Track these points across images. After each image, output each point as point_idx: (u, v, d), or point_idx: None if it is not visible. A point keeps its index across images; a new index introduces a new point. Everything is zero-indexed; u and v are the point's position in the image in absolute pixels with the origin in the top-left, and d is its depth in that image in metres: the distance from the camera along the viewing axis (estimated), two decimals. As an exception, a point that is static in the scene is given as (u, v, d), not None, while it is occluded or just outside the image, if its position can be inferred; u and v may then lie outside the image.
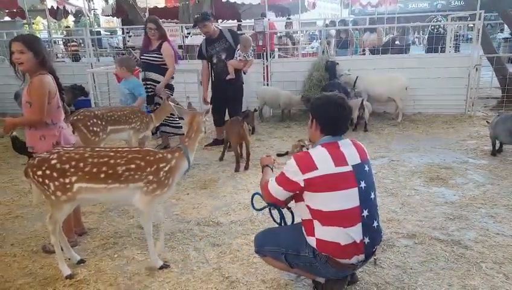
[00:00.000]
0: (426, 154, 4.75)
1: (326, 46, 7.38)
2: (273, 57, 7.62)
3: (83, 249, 2.89)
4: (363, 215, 1.97)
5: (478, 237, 2.82)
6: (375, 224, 2.04)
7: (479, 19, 6.32)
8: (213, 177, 4.26)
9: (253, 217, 3.27)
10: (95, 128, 3.75)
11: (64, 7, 13.02)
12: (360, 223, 1.97)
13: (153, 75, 4.83)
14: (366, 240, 1.98)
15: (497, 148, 4.58)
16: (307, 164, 1.97)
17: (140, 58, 4.89)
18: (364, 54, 8.78)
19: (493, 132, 4.50)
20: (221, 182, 4.12)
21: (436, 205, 3.37)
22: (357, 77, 6.35)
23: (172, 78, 4.96)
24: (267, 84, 7.03)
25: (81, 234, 3.08)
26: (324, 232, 1.97)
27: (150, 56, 4.80)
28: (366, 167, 2.05)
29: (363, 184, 1.98)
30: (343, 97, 2.14)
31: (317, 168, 1.95)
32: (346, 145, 2.05)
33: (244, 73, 5.27)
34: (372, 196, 2.05)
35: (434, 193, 3.63)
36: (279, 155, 4.60)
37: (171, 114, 4.99)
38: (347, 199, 1.95)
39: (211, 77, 5.27)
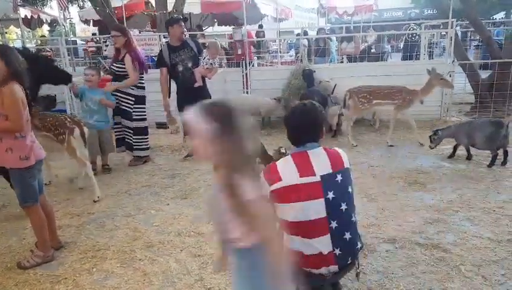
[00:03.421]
0: (404, 159, 4.85)
1: (305, 55, 7.48)
2: (252, 65, 7.65)
3: (60, 264, 2.80)
4: (331, 227, 1.93)
5: (456, 240, 2.88)
6: (348, 236, 1.98)
7: (451, 28, 6.56)
8: (194, 187, 4.21)
9: (235, 226, 3.24)
10: (362, 100, 5.35)
11: (38, 16, 12.71)
12: (329, 235, 1.93)
13: (119, 85, 4.78)
14: (337, 251, 1.95)
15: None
16: (272, 176, 1.97)
17: (110, 68, 4.84)
18: (342, 62, 8.94)
19: (469, 140, 4.55)
20: (202, 191, 4.07)
21: (415, 210, 3.43)
22: (335, 85, 6.44)
23: (143, 88, 4.92)
24: (247, 93, 7.04)
25: (57, 248, 2.97)
26: (290, 241, 1.98)
27: (116, 66, 4.75)
28: (339, 176, 1.98)
29: (331, 195, 1.93)
30: (308, 106, 2.09)
31: (281, 179, 1.94)
32: (316, 155, 2.00)
33: (209, 78, 5.16)
34: (343, 207, 1.97)
35: (413, 197, 3.70)
36: (260, 163, 4.58)
37: (142, 136, 5.03)
38: (312, 209, 1.92)
39: (170, 85, 5.15)
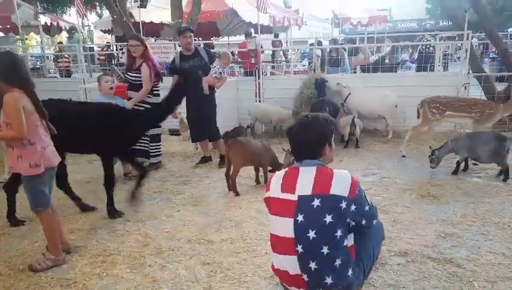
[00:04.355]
0: (417, 171, 4.78)
1: (317, 64, 7.49)
2: (265, 74, 7.71)
3: (71, 268, 2.82)
4: (297, 250, 1.86)
5: (470, 255, 2.82)
6: (312, 266, 1.84)
7: (467, 39, 6.50)
8: (204, 194, 4.22)
9: (245, 234, 3.23)
10: (434, 110, 5.13)
11: (58, 24, 13.08)
12: (295, 257, 1.87)
13: (134, 94, 4.72)
14: (305, 277, 1.88)
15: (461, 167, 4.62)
16: (267, 185, 2.07)
17: (125, 76, 4.82)
18: (355, 72, 8.94)
19: (469, 153, 4.45)
20: (213, 199, 4.08)
21: (428, 223, 3.37)
22: (349, 94, 6.43)
23: (159, 96, 4.89)
24: (259, 101, 7.08)
25: (67, 251, 3.01)
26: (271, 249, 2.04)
27: (132, 75, 4.75)
28: (316, 201, 1.83)
29: (300, 218, 1.84)
30: (310, 121, 1.99)
31: (269, 190, 2.01)
32: (305, 173, 1.92)
33: (217, 88, 5.18)
34: (311, 235, 1.82)
35: (425, 210, 3.64)
36: (271, 171, 4.58)
37: (155, 143, 5.07)
38: (283, 226, 1.91)
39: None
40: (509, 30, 15.55)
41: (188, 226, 3.44)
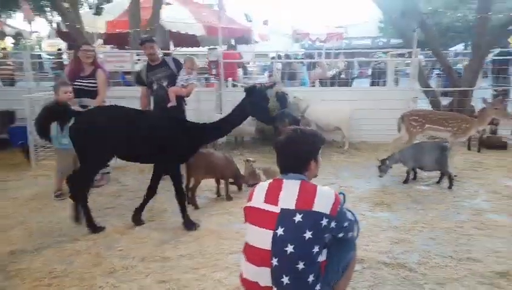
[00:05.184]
0: (371, 180, 4.95)
1: (278, 77, 7.63)
2: (226, 86, 7.70)
3: (11, 293, 2.59)
4: (272, 263, 1.84)
5: (421, 259, 2.94)
6: (285, 280, 1.82)
7: (415, 56, 6.92)
8: (161, 208, 4.08)
9: (204, 249, 3.14)
10: (414, 123, 5.31)
11: (1, 28, 12.39)
12: (269, 270, 1.86)
13: (91, 102, 4.49)
14: None
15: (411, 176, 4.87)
16: (250, 194, 2.04)
17: (73, 85, 4.47)
18: (314, 86, 9.21)
19: (415, 163, 4.70)
20: (170, 213, 3.95)
21: (382, 230, 3.49)
22: (307, 106, 6.59)
23: (105, 102, 4.73)
24: (221, 113, 7.04)
25: None
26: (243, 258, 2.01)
27: (86, 82, 4.56)
28: (298, 216, 1.82)
29: (280, 231, 1.83)
30: (295, 135, 1.98)
31: (251, 200, 2.00)
32: (289, 186, 1.91)
33: (185, 103, 5.04)
34: (289, 249, 1.80)
35: (379, 217, 3.77)
36: (232, 183, 4.54)
37: None
38: (260, 237, 1.89)
39: (149, 104, 5.03)
40: (451, 49, 16.81)
41: (144, 243, 3.30)
